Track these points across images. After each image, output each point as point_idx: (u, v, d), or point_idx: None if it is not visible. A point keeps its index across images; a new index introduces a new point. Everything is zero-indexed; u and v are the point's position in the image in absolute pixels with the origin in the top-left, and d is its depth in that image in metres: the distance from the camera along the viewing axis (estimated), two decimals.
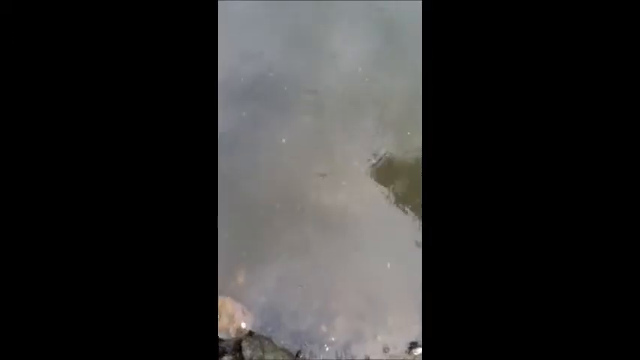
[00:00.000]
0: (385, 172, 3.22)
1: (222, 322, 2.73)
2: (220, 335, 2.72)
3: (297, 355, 2.71)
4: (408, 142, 3.31)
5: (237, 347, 2.67)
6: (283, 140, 3.25)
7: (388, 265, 2.93)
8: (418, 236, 2.97)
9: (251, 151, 3.19)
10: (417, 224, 3.06)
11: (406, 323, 2.79)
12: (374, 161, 3.25)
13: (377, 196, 3.16)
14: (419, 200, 3.09)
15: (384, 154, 3.28)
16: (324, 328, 2.80)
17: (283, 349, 2.72)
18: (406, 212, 3.12)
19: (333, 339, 2.78)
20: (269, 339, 2.74)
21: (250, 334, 2.75)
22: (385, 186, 3.19)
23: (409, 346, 2.79)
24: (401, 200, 3.13)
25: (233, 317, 2.75)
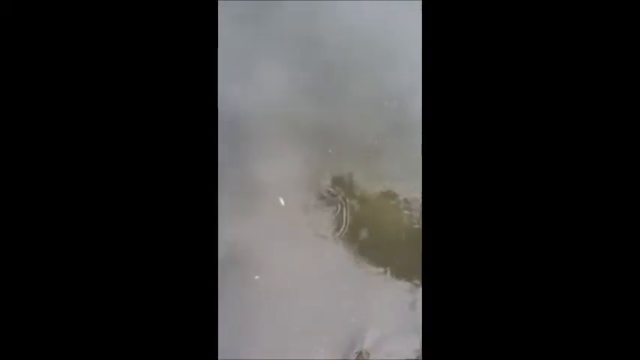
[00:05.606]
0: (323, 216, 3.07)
1: None
2: None
3: None
4: (347, 178, 3.14)
5: None
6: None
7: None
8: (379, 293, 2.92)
9: None
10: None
11: None
12: (318, 202, 3.08)
13: (306, 238, 3.03)
14: (369, 248, 3.01)
15: (335, 194, 3.10)
16: None
17: None
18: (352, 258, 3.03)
19: None
20: None
21: None
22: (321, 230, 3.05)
23: None
24: (347, 247, 3.01)
25: None
